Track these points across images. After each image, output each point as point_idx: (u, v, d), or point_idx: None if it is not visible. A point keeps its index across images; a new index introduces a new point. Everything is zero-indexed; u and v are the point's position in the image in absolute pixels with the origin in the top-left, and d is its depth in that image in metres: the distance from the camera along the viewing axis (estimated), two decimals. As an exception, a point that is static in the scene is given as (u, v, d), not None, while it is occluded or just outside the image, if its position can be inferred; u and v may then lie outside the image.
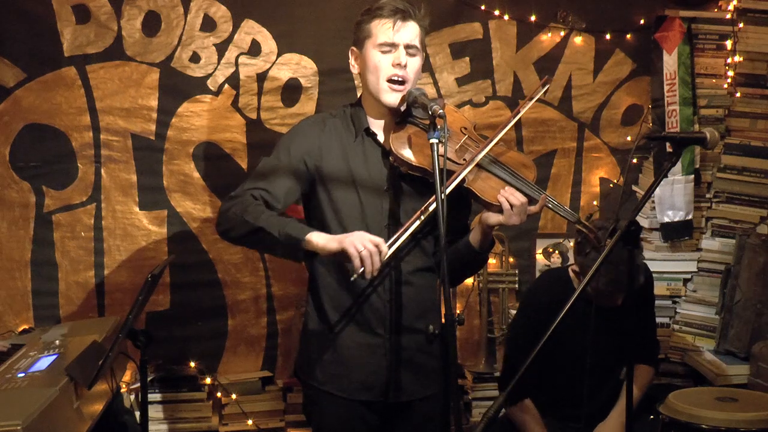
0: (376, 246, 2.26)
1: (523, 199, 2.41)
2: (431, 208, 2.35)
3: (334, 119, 2.57)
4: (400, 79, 2.46)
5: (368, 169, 2.50)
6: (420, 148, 2.45)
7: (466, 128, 2.56)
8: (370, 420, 2.57)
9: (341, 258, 2.31)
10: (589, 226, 2.56)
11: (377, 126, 2.54)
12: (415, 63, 2.49)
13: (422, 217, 2.36)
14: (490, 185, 2.47)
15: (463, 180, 2.43)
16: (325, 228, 2.47)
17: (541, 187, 2.54)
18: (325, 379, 2.56)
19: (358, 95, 2.63)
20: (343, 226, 2.47)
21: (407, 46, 2.47)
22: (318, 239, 2.33)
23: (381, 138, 2.53)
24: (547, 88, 2.65)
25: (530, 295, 3.42)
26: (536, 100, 2.61)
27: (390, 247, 2.32)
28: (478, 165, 2.46)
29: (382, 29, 2.45)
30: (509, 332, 3.47)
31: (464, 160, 2.47)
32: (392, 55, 2.46)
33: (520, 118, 2.61)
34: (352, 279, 2.30)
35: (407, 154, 2.44)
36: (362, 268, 2.25)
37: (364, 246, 2.25)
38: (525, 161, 2.58)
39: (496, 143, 2.50)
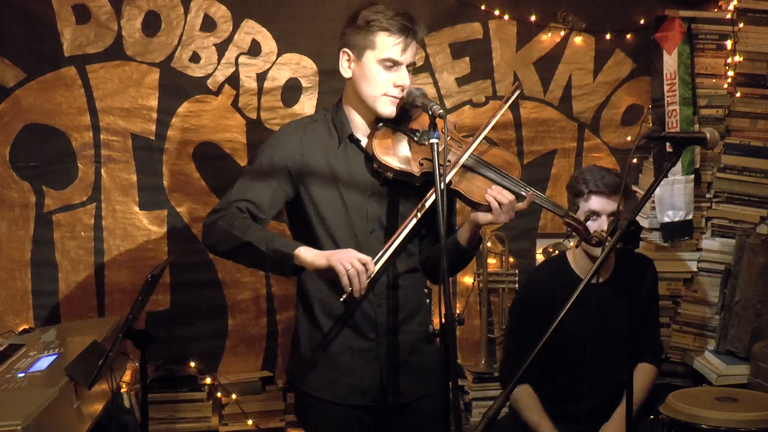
0: (364, 264, 2.27)
1: (510, 197, 2.42)
2: (427, 204, 2.36)
3: (315, 125, 2.55)
4: (398, 97, 2.45)
5: (352, 174, 2.50)
6: (404, 152, 2.45)
7: (448, 129, 2.54)
8: (367, 422, 2.57)
9: (329, 275, 2.31)
10: (578, 219, 2.57)
11: (360, 131, 2.53)
12: (410, 80, 2.49)
13: (417, 216, 2.36)
14: (476, 185, 2.46)
15: (450, 182, 2.42)
16: (311, 234, 2.48)
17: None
18: (318, 385, 2.56)
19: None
20: (329, 232, 2.48)
21: (408, 65, 2.47)
22: (306, 254, 2.33)
23: (364, 143, 2.52)
24: (518, 94, 2.62)
25: (528, 279, 3.47)
26: (511, 102, 2.59)
27: (377, 263, 2.32)
28: (463, 166, 2.46)
29: (390, 46, 2.42)
30: (509, 317, 3.48)
31: (448, 161, 2.45)
32: (394, 74, 2.44)
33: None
34: (341, 300, 2.31)
35: (391, 158, 2.44)
36: (350, 288, 2.26)
37: (352, 264, 2.26)
38: (509, 158, 2.58)
39: (480, 142, 2.49)
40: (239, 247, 2.38)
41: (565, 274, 3.24)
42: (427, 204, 2.37)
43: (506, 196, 2.41)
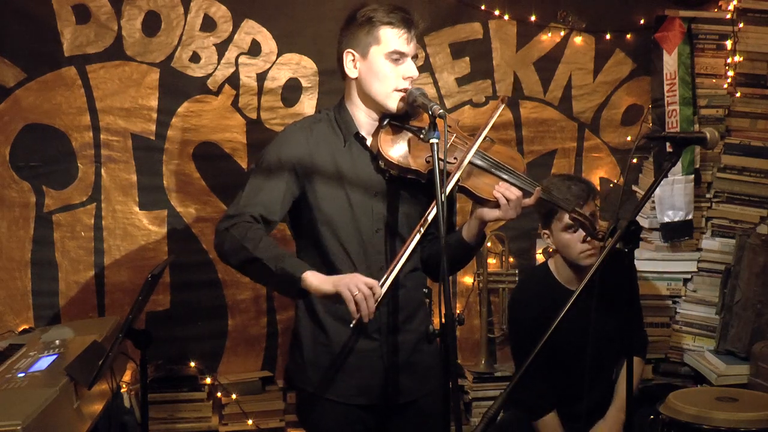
0: (370, 288, 2.24)
1: (518, 193, 2.43)
2: (429, 218, 2.35)
3: (320, 124, 2.54)
4: (407, 90, 2.45)
5: (358, 174, 2.49)
6: (410, 150, 2.45)
7: (450, 126, 2.55)
8: (368, 422, 2.57)
9: (336, 301, 2.29)
10: (584, 214, 2.57)
11: (365, 130, 2.52)
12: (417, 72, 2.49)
13: (420, 232, 2.36)
14: (484, 182, 2.47)
15: (458, 179, 2.43)
16: (314, 234, 2.48)
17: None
18: (322, 385, 2.55)
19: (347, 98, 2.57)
20: (334, 232, 2.47)
21: (413, 57, 2.47)
22: (312, 280, 2.30)
23: (369, 142, 2.52)
24: (503, 108, 2.56)
25: (516, 301, 3.44)
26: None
27: (383, 285, 2.29)
28: (470, 162, 2.46)
29: (395, 38, 2.42)
30: (512, 347, 3.45)
31: (455, 159, 2.46)
32: (402, 67, 2.44)
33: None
34: (351, 326, 2.27)
35: (397, 156, 2.44)
36: (359, 314, 2.23)
37: (359, 289, 2.23)
38: (513, 155, 2.59)
39: (483, 139, 2.50)
40: (249, 261, 2.36)
41: (552, 284, 3.24)
42: (430, 218, 2.36)
43: (514, 192, 2.42)
